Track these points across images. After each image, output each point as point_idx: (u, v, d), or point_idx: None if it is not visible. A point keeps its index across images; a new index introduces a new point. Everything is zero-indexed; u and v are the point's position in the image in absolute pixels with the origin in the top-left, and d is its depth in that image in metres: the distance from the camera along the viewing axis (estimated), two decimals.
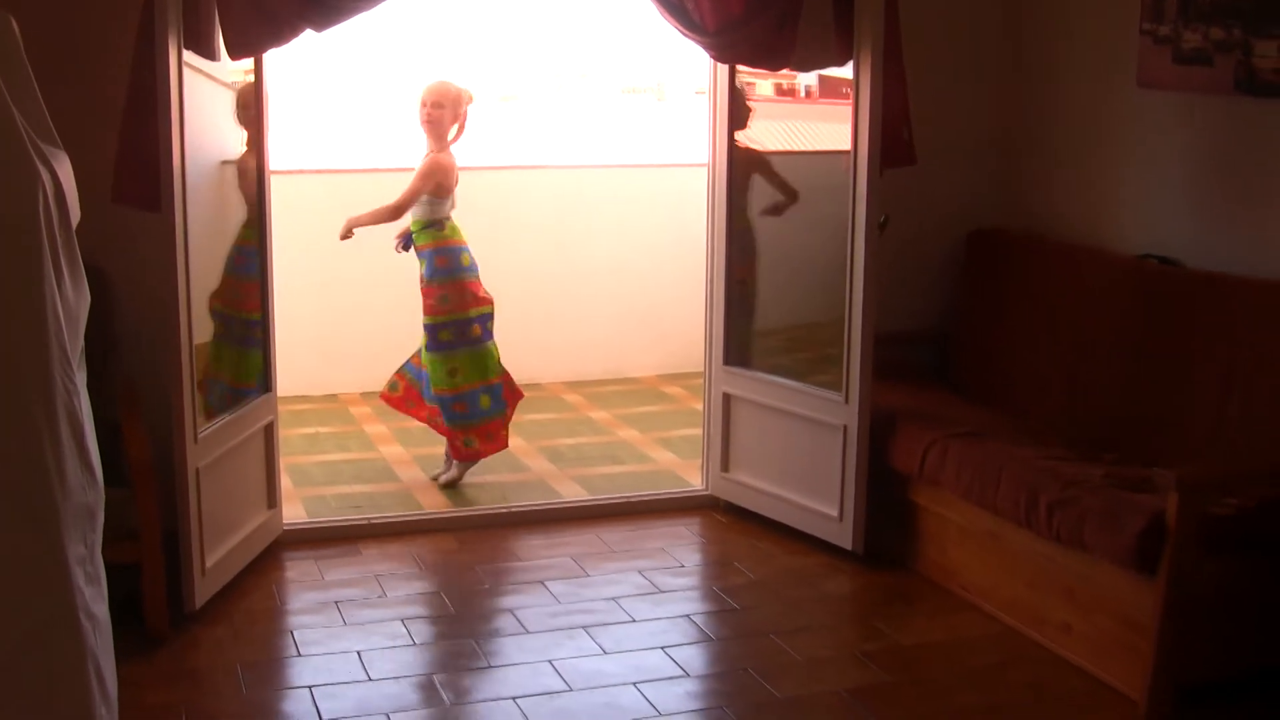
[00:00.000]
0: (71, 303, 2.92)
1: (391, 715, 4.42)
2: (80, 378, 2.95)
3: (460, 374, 6.57)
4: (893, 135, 5.63)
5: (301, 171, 8.48)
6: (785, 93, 6.46)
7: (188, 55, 4.87)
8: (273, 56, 5.42)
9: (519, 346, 8.66)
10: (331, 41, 5.67)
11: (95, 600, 2.96)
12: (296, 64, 8.23)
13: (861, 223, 5.53)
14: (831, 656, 5.00)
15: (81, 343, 2.99)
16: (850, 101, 5.55)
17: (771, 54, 5.70)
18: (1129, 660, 4.58)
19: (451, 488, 6.65)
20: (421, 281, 6.59)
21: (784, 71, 6.07)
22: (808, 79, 6.29)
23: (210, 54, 5.06)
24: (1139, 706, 4.50)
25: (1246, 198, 5.46)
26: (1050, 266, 6.08)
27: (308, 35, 5.19)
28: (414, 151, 6.66)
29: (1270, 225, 5.34)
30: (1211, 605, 4.49)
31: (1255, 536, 4.56)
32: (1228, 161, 5.54)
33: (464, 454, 6.70)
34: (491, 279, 6.57)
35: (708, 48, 5.72)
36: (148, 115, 4.83)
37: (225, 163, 5.56)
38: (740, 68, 6.08)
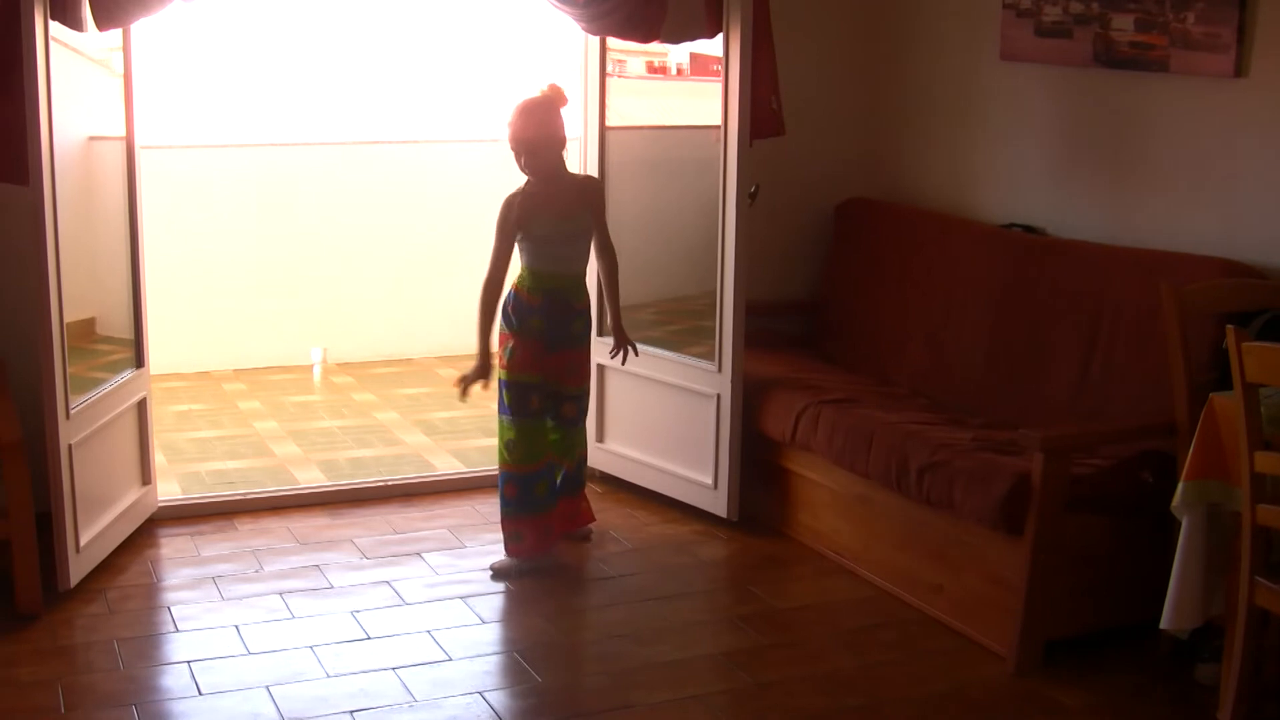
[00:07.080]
0: None
1: (271, 688, 4.41)
2: None
3: None
4: (762, 106, 5.69)
5: (172, 146, 8.37)
6: (656, 70, 6.52)
7: (53, 27, 4.81)
8: (141, 27, 5.36)
9: (396, 323, 8.70)
10: (202, 12, 5.61)
11: None
12: (167, 36, 8.11)
13: (732, 194, 5.59)
14: (707, 620, 5.07)
15: None
16: (720, 78, 5.60)
17: (641, 26, 5.71)
18: (998, 618, 4.70)
19: None
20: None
21: (655, 49, 6.10)
22: (679, 57, 6.34)
23: (77, 24, 4.99)
24: (1008, 662, 4.62)
25: (1106, 167, 5.60)
26: (917, 236, 6.18)
27: (177, 4, 5.13)
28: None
29: (1126, 193, 5.48)
30: (1075, 563, 4.63)
31: (1114, 495, 4.69)
32: (1087, 132, 5.68)
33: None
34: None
35: (578, 19, 5.74)
36: (12, 88, 4.77)
37: (93, 138, 5.48)
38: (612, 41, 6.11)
